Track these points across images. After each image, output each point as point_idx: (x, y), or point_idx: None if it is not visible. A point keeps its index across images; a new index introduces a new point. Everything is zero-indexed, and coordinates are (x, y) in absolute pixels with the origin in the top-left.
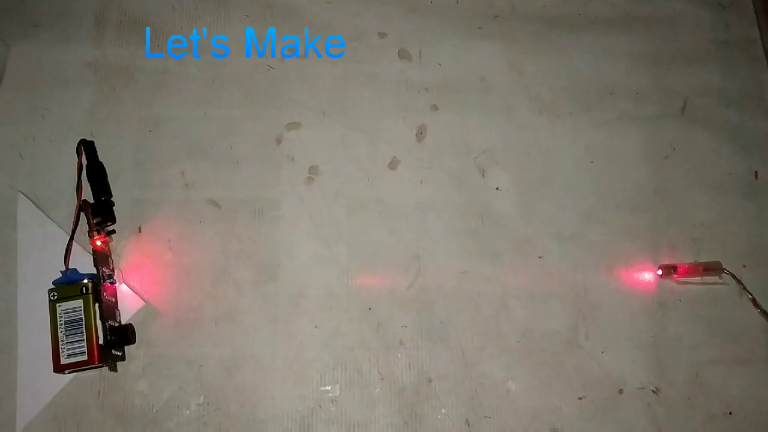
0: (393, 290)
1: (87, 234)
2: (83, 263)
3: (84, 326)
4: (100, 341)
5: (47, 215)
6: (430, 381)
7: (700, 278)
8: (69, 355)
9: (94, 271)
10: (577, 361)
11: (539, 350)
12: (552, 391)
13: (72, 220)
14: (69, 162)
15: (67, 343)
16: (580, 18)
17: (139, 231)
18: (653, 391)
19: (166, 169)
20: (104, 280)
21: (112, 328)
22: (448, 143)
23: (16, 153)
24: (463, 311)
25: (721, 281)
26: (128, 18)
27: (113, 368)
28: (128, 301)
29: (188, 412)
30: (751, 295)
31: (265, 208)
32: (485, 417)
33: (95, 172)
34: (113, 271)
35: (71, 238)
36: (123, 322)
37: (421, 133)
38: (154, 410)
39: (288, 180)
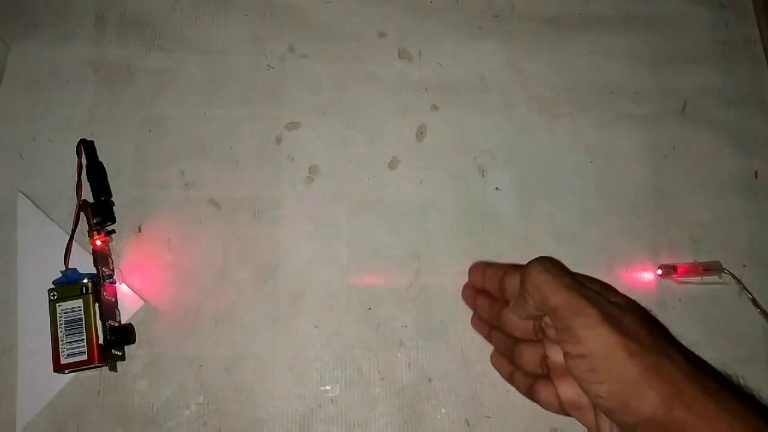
0: (393, 290)
1: (87, 234)
2: (83, 263)
3: (84, 326)
4: (100, 341)
5: (47, 215)
6: (430, 381)
7: (700, 278)
8: (69, 355)
9: (94, 271)
10: None
11: None
12: None
13: (72, 220)
14: (69, 162)
15: (67, 342)
16: (580, 18)
17: (139, 231)
18: None
19: (166, 169)
20: (104, 280)
21: (112, 327)
22: (448, 143)
23: (16, 153)
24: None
25: (721, 281)
26: (128, 18)
27: (113, 368)
28: (128, 301)
29: (188, 411)
30: (751, 295)
31: (265, 208)
32: (485, 417)
33: (95, 172)
34: (113, 270)
35: (71, 238)
36: (123, 322)
37: (421, 133)
38: (154, 410)
39: (288, 180)
